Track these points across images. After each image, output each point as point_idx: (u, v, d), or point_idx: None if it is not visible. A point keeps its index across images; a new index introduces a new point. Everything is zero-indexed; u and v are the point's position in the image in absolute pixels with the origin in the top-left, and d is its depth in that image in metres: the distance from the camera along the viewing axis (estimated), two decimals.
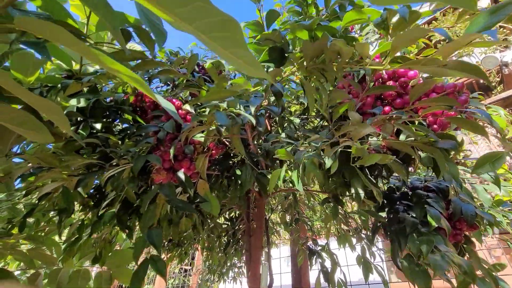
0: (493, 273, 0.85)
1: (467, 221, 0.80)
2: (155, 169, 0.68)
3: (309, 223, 1.77)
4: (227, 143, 0.83)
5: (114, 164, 0.77)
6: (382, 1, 0.23)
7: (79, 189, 0.71)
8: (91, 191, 1.06)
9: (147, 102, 1.04)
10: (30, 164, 0.80)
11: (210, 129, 0.71)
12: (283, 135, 1.05)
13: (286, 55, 0.50)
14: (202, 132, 0.79)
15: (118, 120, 1.01)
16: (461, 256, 0.84)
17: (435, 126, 0.72)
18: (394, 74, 0.80)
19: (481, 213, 0.78)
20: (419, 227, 0.77)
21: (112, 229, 1.23)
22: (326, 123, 1.19)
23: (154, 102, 1.06)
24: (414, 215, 0.82)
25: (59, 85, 0.79)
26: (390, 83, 0.81)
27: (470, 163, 1.02)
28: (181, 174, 0.66)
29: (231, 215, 1.91)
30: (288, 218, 1.60)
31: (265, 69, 0.51)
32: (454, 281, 0.74)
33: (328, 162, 0.79)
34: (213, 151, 0.82)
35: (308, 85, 0.53)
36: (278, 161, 1.01)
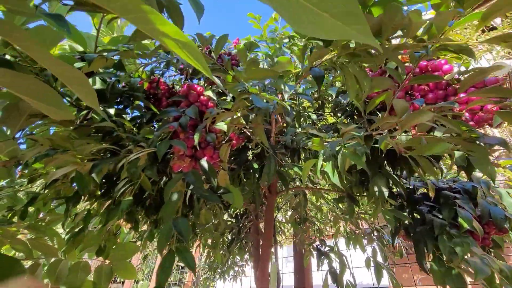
0: None
1: (496, 225, 0.76)
2: (176, 156, 0.64)
3: (316, 223, 1.74)
4: (249, 134, 0.79)
5: (129, 151, 0.72)
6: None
7: (93, 175, 0.66)
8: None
9: (162, 90, 1.00)
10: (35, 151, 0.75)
11: (235, 116, 0.67)
12: (299, 129, 1.01)
13: None
14: (223, 120, 0.75)
15: (128, 108, 0.96)
16: None
17: (471, 122, 0.69)
18: (428, 68, 0.77)
19: None
20: (448, 229, 0.74)
21: (117, 220, 1.18)
22: (340, 119, 1.15)
23: (169, 90, 1.01)
24: (441, 217, 0.79)
25: (75, 64, 0.75)
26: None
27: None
28: (204, 163, 0.62)
29: (236, 212, 1.87)
30: (297, 217, 1.56)
31: (309, 51, 0.47)
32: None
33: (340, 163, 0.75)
34: (234, 142, 0.78)
35: (349, 71, 0.49)
36: (296, 156, 0.97)
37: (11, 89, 0.43)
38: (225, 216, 1.93)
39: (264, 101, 0.51)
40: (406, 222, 0.92)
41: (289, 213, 2.13)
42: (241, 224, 1.80)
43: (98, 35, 0.77)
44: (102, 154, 0.84)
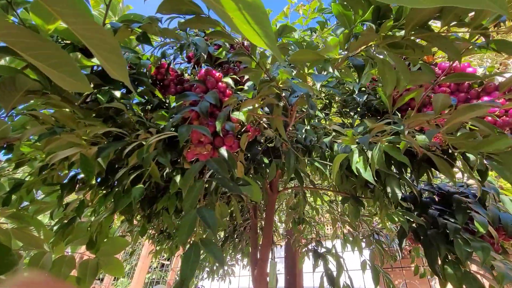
0: None
1: (507, 231, 0.76)
2: (193, 144, 0.60)
3: (313, 224, 1.72)
4: (265, 126, 0.75)
5: (137, 135, 0.67)
6: None
7: (99, 160, 0.60)
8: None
9: (172, 76, 0.94)
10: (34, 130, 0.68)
11: (256, 105, 0.63)
12: (308, 127, 0.99)
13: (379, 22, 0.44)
14: (238, 110, 0.71)
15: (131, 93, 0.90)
16: None
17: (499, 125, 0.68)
18: (451, 70, 0.76)
19: None
20: (461, 233, 0.73)
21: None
22: (350, 120, 1.14)
23: (178, 77, 0.96)
24: (453, 221, 0.78)
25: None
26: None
27: None
28: (223, 152, 0.58)
29: (231, 209, 1.82)
30: (295, 216, 1.54)
31: (353, 37, 0.45)
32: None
33: (371, 157, 0.74)
34: (249, 133, 0.74)
35: (395, 60, 0.47)
36: (307, 152, 0.94)
37: (22, 51, 0.37)
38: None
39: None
40: (414, 225, 0.91)
41: (282, 213, 2.10)
42: (237, 222, 1.76)
43: (106, 14, 0.71)
44: (106, 138, 0.78)
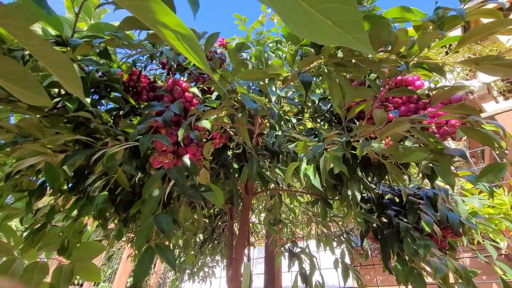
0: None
1: (453, 229, 0.84)
2: (156, 152, 0.62)
3: (289, 225, 1.77)
4: (231, 133, 0.79)
5: (105, 143, 0.69)
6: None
7: (65, 168, 0.62)
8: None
9: (143, 83, 0.96)
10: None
11: (221, 115, 0.67)
12: (279, 132, 1.04)
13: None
14: (207, 119, 0.74)
15: (103, 100, 0.92)
16: None
17: (437, 135, 0.75)
18: (402, 83, 0.83)
19: (467, 222, 0.83)
20: (411, 232, 0.80)
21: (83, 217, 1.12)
22: (320, 125, 1.20)
23: (150, 84, 0.98)
24: (406, 220, 0.85)
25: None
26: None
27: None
28: (186, 159, 0.61)
29: (210, 212, 1.85)
30: (271, 218, 1.58)
31: (299, 56, 0.49)
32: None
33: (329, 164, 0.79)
34: (216, 140, 0.77)
35: (334, 80, 0.52)
36: (276, 158, 0.99)
37: None
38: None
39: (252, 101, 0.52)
40: (375, 225, 0.98)
41: (263, 214, 2.15)
42: (215, 224, 1.79)
43: (77, 19, 0.72)
44: (75, 146, 0.79)
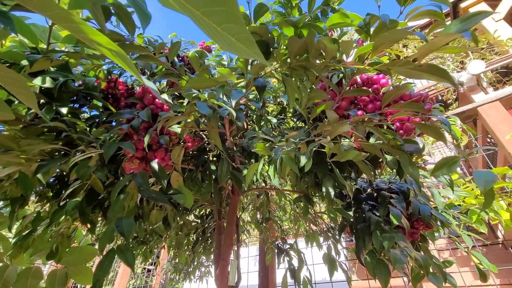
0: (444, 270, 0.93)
1: (424, 221, 0.87)
2: (127, 158, 0.65)
3: (279, 222, 1.80)
4: (204, 137, 0.81)
5: (80, 151, 0.72)
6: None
7: (39, 176, 0.65)
8: (51, 180, 0.98)
9: (120, 90, 0.99)
10: None
11: (188, 120, 0.69)
12: (260, 133, 1.06)
13: (271, 50, 0.51)
14: (179, 123, 0.77)
15: (85, 107, 0.95)
16: None
17: (401, 131, 0.78)
18: (368, 81, 0.85)
19: (436, 214, 0.86)
20: (382, 225, 0.83)
21: (72, 222, 1.14)
22: (302, 124, 1.23)
23: (128, 90, 1.01)
24: (378, 214, 0.88)
25: (22, 62, 0.72)
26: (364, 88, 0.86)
27: (429, 169, 1.12)
28: (154, 164, 0.64)
29: (201, 213, 1.88)
30: (259, 217, 1.61)
31: (250, 63, 0.52)
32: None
33: (303, 160, 0.82)
34: (189, 144, 0.80)
35: (290, 82, 0.55)
36: (253, 158, 1.02)
37: None
38: (191, 217, 1.93)
39: (209, 106, 0.54)
40: (352, 219, 1.00)
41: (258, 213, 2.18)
42: (206, 224, 1.82)
43: (51, 31, 0.75)
44: (55, 154, 0.81)
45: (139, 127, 0.65)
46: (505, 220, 1.32)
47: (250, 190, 1.39)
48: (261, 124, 1.21)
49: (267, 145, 0.71)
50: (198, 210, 1.87)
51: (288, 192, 1.78)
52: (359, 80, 0.87)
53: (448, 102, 4.05)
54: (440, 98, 3.79)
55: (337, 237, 1.04)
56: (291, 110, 1.48)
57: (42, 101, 0.90)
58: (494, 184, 0.60)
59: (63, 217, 0.69)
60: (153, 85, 0.34)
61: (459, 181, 1.67)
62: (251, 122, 1.45)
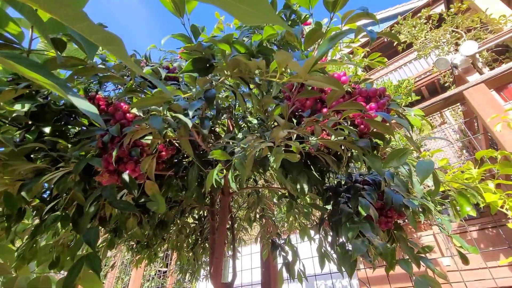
0: (423, 255, 0.96)
1: (395, 210, 0.90)
2: (100, 172, 0.71)
3: (274, 218, 1.85)
4: (177, 145, 0.86)
5: (61, 167, 0.78)
6: (248, 21, 0.27)
7: (24, 194, 0.71)
8: (45, 195, 1.05)
9: (101, 105, 1.04)
10: None
11: (156, 132, 0.74)
12: (239, 135, 1.11)
13: (214, 64, 0.55)
14: (151, 134, 0.82)
15: (71, 124, 1.01)
16: (392, 241, 0.95)
17: (362, 126, 0.81)
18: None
19: (407, 202, 0.89)
20: (353, 217, 0.86)
21: (70, 232, 1.21)
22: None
23: (108, 105, 1.06)
24: (351, 206, 0.91)
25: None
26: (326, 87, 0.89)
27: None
28: (125, 176, 0.69)
29: (199, 214, 1.94)
30: (252, 214, 1.66)
31: (195, 77, 0.56)
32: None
33: (271, 160, 0.87)
34: (163, 153, 0.85)
35: (237, 91, 0.58)
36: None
37: None
38: (190, 219, 1.99)
39: (164, 119, 0.59)
40: (325, 212, 1.04)
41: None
42: (204, 225, 1.88)
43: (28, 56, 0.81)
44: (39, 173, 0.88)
45: (110, 142, 0.70)
46: (492, 202, 1.32)
47: (240, 190, 1.44)
48: (241, 126, 1.25)
49: (236, 149, 0.75)
50: (196, 212, 1.94)
51: (277, 189, 1.82)
52: None
53: (446, 85, 3.99)
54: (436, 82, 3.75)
55: (318, 230, 1.08)
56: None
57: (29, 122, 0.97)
58: (431, 173, 0.63)
59: (63, 229, 0.74)
60: (88, 105, 0.38)
61: (447, 167, 1.68)
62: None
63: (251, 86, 0.61)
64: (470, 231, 4.23)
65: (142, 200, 0.70)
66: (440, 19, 4.05)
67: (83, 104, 0.40)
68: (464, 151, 5.09)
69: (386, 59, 1.31)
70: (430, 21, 3.98)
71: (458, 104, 2.36)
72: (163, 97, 0.52)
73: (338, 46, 1.27)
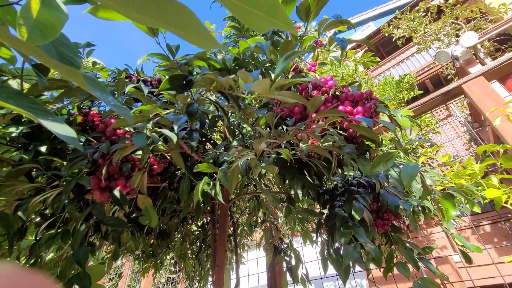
0: (423, 256, 0.95)
1: (391, 212, 0.88)
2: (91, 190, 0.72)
3: (276, 223, 1.84)
4: (169, 158, 0.87)
5: (55, 186, 0.80)
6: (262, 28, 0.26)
7: (20, 214, 0.73)
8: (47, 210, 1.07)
9: (95, 121, 1.07)
10: None
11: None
12: (234, 142, 1.11)
13: (191, 80, 0.56)
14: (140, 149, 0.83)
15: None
16: (390, 244, 0.93)
17: (351, 130, 0.81)
18: (316, 84, 0.88)
19: (402, 203, 0.88)
20: (348, 221, 0.85)
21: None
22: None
23: (102, 121, 1.09)
24: (345, 210, 0.90)
25: None
26: (314, 92, 0.89)
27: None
28: (116, 192, 0.70)
29: (202, 221, 1.95)
30: (253, 220, 1.66)
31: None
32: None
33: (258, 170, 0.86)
34: (155, 166, 0.86)
35: (218, 104, 0.59)
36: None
37: None
38: (193, 227, 2.01)
39: (149, 136, 0.60)
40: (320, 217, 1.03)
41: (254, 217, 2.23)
42: (208, 233, 1.89)
43: (22, 82, 0.83)
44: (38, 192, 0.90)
45: (100, 159, 0.71)
46: (495, 197, 1.29)
47: (238, 196, 1.44)
48: (236, 133, 1.26)
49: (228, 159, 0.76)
50: (199, 219, 1.95)
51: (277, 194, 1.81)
52: (310, 84, 0.90)
53: (449, 77, 3.92)
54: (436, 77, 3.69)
55: (315, 233, 1.07)
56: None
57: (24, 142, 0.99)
58: (416, 177, 0.62)
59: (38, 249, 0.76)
60: (65, 129, 0.39)
61: (449, 163, 1.65)
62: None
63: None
64: (482, 224, 4.13)
65: (134, 215, 0.71)
66: (438, 11, 4.00)
67: (59, 129, 0.42)
68: (473, 143, 4.99)
69: (378, 59, 1.30)
70: (429, 14, 3.92)
71: (463, 95, 2.32)
72: (143, 115, 0.54)
73: (330, 48, 1.27)
